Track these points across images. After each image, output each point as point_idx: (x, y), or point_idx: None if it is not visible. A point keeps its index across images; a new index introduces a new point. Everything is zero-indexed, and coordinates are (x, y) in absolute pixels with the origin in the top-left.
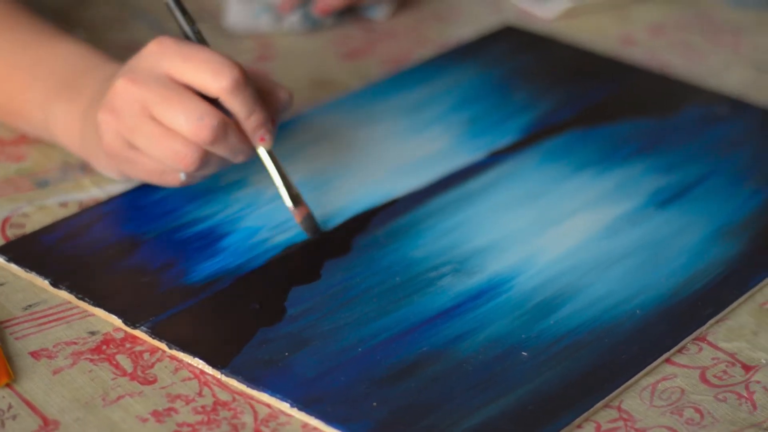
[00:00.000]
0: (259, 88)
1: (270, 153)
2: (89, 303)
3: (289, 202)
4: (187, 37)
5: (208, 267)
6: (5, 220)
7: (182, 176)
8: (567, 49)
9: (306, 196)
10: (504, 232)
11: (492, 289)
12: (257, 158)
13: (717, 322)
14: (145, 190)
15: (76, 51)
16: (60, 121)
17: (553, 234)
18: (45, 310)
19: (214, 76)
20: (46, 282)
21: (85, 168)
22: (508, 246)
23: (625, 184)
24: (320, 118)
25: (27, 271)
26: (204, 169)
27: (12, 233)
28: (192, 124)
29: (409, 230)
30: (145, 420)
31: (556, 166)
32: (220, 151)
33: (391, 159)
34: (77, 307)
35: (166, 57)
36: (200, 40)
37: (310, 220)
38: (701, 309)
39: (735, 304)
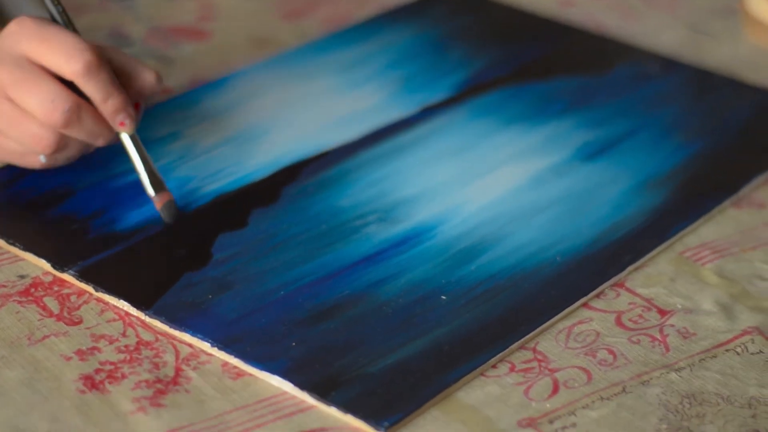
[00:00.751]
0: (121, 71)
1: (133, 137)
2: (19, 248)
3: (150, 191)
4: (53, 18)
5: (137, 215)
6: None
7: (42, 158)
8: (506, 11)
9: (238, 149)
10: (431, 183)
11: (415, 237)
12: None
13: (636, 269)
14: None
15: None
16: None
17: (479, 185)
18: None
19: (67, 59)
20: None
21: None
22: (434, 196)
23: (554, 138)
24: (256, 76)
25: None
26: (64, 152)
27: None
28: (44, 107)
29: (339, 181)
30: (69, 358)
31: (487, 121)
32: (76, 134)
33: (325, 114)
34: (8, 252)
35: (24, 38)
36: (65, 21)
37: (170, 207)
38: (621, 256)
39: (654, 252)
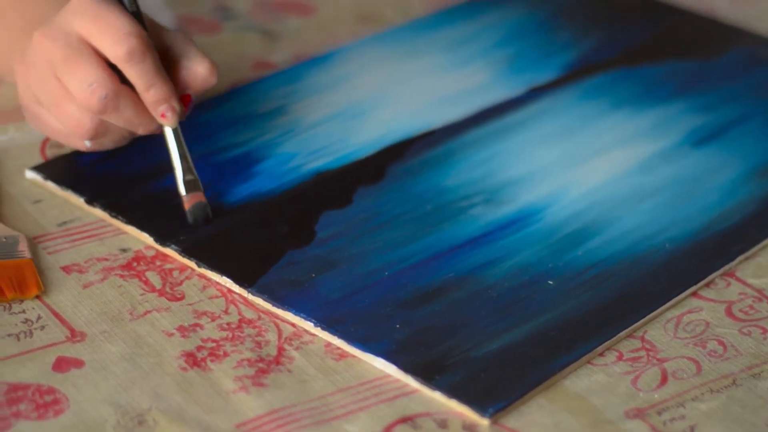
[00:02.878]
0: (176, 59)
1: (175, 131)
2: (122, 221)
3: (181, 189)
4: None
5: (241, 190)
6: (46, 140)
7: (86, 143)
8: None
9: (343, 125)
10: (537, 165)
11: (522, 220)
12: None
13: (746, 258)
14: None
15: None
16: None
17: (587, 168)
18: (79, 227)
19: (112, 43)
20: (81, 200)
21: None
22: (541, 178)
23: (663, 123)
24: (361, 52)
25: (63, 189)
26: (107, 136)
27: (51, 153)
28: (82, 91)
29: (444, 160)
30: (170, 334)
31: (595, 103)
32: (114, 121)
33: (431, 92)
34: (110, 225)
35: (78, 16)
36: (129, 0)
37: (198, 209)
38: (730, 245)
39: (766, 241)
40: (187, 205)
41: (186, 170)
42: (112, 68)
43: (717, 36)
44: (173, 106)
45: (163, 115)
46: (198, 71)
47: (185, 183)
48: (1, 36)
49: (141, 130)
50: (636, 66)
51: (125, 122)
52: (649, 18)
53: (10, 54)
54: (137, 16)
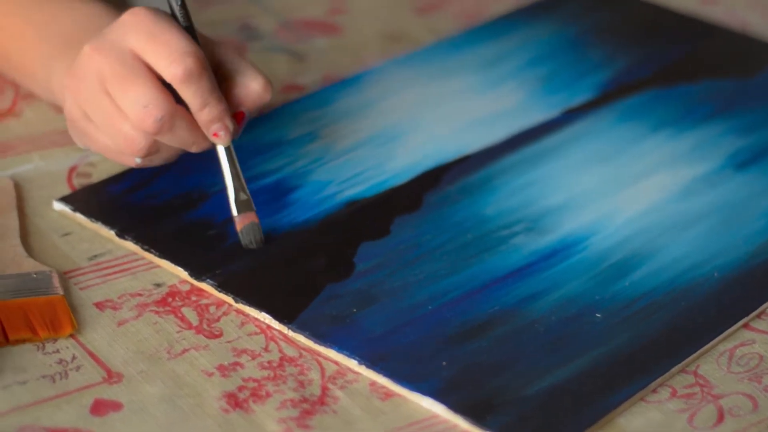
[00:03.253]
0: (229, 75)
1: (228, 150)
2: (155, 254)
3: (233, 209)
4: (172, 12)
5: (275, 221)
6: (72, 169)
7: (137, 159)
8: (644, 7)
9: (376, 150)
10: (578, 191)
11: (565, 249)
12: None
13: None
14: None
15: (91, 11)
16: (56, 81)
17: (628, 194)
18: (110, 260)
19: (168, 62)
20: (112, 232)
21: None
22: (582, 205)
23: (703, 145)
24: (392, 73)
25: (92, 221)
26: (159, 154)
27: (78, 182)
28: (137, 111)
29: (482, 187)
30: (210, 374)
31: (632, 125)
32: (168, 141)
33: (464, 114)
34: (143, 258)
35: (132, 31)
36: (183, 15)
37: (251, 230)
38: None
39: None
40: (239, 226)
41: (239, 190)
42: (166, 86)
43: (752, 54)
44: (227, 125)
45: (216, 135)
46: (252, 88)
47: (238, 203)
48: (41, 50)
49: (194, 149)
50: (671, 86)
51: (179, 142)
52: (680, 34)
53: (51, 69)
54: (190, 30)
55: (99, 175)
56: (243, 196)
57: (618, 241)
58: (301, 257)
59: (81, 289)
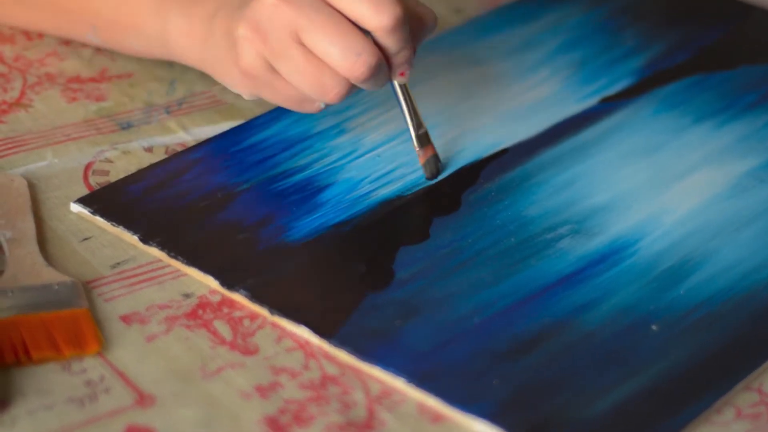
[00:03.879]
0: (408, 13)
1: (404, 86)
2: (183, 262)
3: (416, 143)
4: None
5: (308, 223)
6: (88, 166)
7: (322, 105)
8: None
9: (408, 145)
10: (622, 188)
11: (615, 253)
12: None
13: None
14: (235, 134)
15: None
16: (179, 30)
17: (675, 192)
18: (134, 268)
19: (375, 11)
20: (135, 237)
21: (170, 109)
22: (628, 204)
23: (749, 137)
24: (419, 58)
25: (114, 225)
26: None
27: (95, 181)
28: (348, 60)
29: (521, 184)
30: (248, 395)
31: (673, 115)
32: (367, 86)
33: (497, 105)
34: (169, 265)
35: None
36: None
37: (433, 162)
38: None
39: None
40: (422, 160)
41: (418, 124)
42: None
43: None
44: (412, 63)
45: (402, 74)
46: (427, 22)
47: (418, 137)
48: (145, 1)
49: (373, 88)
50: (710, 72)
51: (373, 86)
52: (714, 14)
53: (164, 20)
54: None
55: (116, 172)
56: (422, 130)
57: (669, 244)
58: (337, 263)
59: (105, 300)
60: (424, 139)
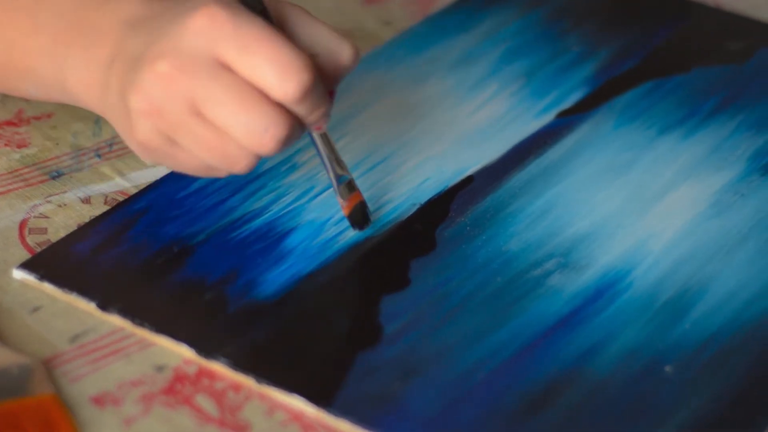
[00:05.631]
0: (314, 50)
1: (324, 135)
2: (150, 330)
3: (339, 197)
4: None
5: (277, 276)
6: (22, 224)
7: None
8: None
9: (366, 178)
10: (601, 213)
11: (608, 288)
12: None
13: None
14: (179, 178)
15: None
16: (76, 74)
17: (656, 214)
18: (96, 340)
19: (279, 79)
20: (92, 305)
21: (100, 152)
22: (611, 231)
23: (719, 147)
24: (359, 78)
25: (66, 292)
26: None
27: (34, 241)
28: (255, 134)
29: (496, 216)
30: None
31: (635, 127)
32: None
33: (450, 127)
34: (133, 334)
35: (219, 40)
36: (258, 4)
37: (360, 212)
38: None
39: None
40: (346, 211)
41: (340, 172)
42: None
43: (735, 33)
44: (329, 114)
45: (318, 128)
46: (344, 59)
47: (340, 187)
48: (38, 39)
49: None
50: (664, 77)
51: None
52: (655, 13)
53: (61, 60)
54: (265, 14)
55: (55, 229)
56: (345, 177)
57: (662, 273)
58: (318, 320)
59: (71, 381)
60: (349, 188)
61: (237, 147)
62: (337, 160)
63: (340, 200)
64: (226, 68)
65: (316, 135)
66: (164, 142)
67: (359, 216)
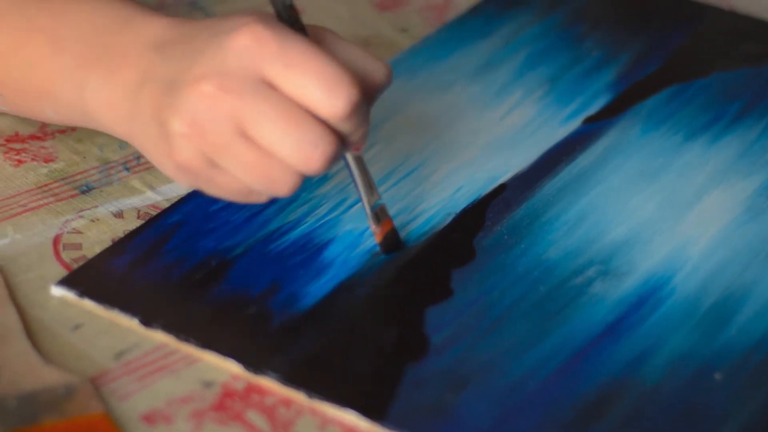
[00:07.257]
0: (356, 73)
1: (358, 158)
2: (196, 345)
3: (372, 222)
4: (280, 15)
5: (319, 288)
6: (56, 240)
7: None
8: None
9: (400, 188)
10: (637, 219)
11: (652, 294)
12: None
13: None
14: None
15: (104, 4)
16: (99, 97)
17: (692, 220)
18: (141, 357)
19: (327, 96)
20: (135, 321)
21: (128, 165)
22: (649, 237)
23: (747, 152)
24: None
25: (107, 309)
26: None
27: (69, 257)
28: (305, 153)
29: (532, 224)
30: None
31: (662, 133)
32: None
33: (479, 134)
34: (178, 350)
35: (264, 59)
36: (292, 18)
37: (391, 238)
38: None
39: None
40: (378, 238)
41: (373, 198)
42: None
43: (751, 35)
44: (367, 135)
45: (357, 148)
46: (377, 80)
47: (374, 213)
48: (59, 62)
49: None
50: (686, 81)
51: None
52: (671, 16)
53: (81, 84)
54: (303, 32)
55: (90, 244)
56: (378, 203)
57: (703, 279)
58: (363, 332)
59: (119, 399)
60: (381, 214)
61: (282, 168)
62: (369, 185)
63: (372, 226)
64: (271, 87)
65: (351, 157)
66: (205, 165)
67: (392, 243)
